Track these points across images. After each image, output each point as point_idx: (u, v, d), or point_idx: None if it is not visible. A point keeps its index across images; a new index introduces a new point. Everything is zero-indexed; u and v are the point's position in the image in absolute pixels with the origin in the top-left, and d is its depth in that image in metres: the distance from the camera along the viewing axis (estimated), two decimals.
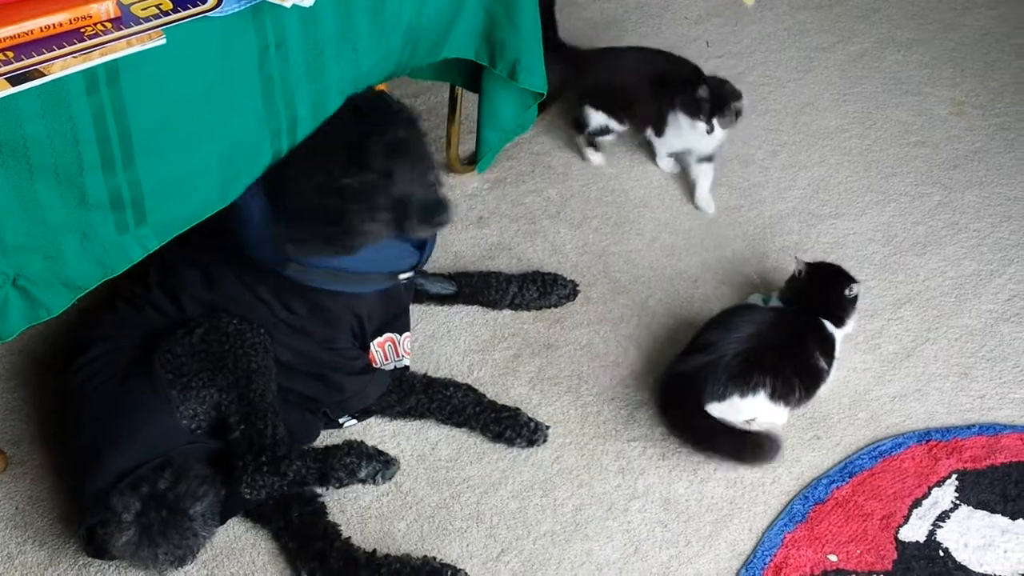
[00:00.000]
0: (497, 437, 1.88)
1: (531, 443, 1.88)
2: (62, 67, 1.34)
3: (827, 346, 1.90)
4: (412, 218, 1.75)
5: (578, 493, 1.82)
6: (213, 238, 1.80)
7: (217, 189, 1.59)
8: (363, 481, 1.72)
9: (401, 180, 1.73)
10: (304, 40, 1.55)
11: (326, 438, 1.89)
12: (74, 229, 1.44)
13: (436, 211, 1.77)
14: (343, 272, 1.80)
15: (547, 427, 1.90)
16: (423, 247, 1.90)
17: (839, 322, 1.93)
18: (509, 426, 1.88)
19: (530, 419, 1.89)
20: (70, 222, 1.43)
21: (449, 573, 1.68)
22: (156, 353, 1.74)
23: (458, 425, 1.91)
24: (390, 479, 1.74)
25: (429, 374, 1.96)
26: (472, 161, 2.38)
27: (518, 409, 1.90)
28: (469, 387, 1.92)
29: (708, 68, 2.67)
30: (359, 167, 1.70)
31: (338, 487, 1.74)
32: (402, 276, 1.87)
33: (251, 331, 1.76)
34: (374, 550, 1.71)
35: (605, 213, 2.31)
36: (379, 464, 1.73)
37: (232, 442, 1.71)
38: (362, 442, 1.75)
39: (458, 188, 2.36)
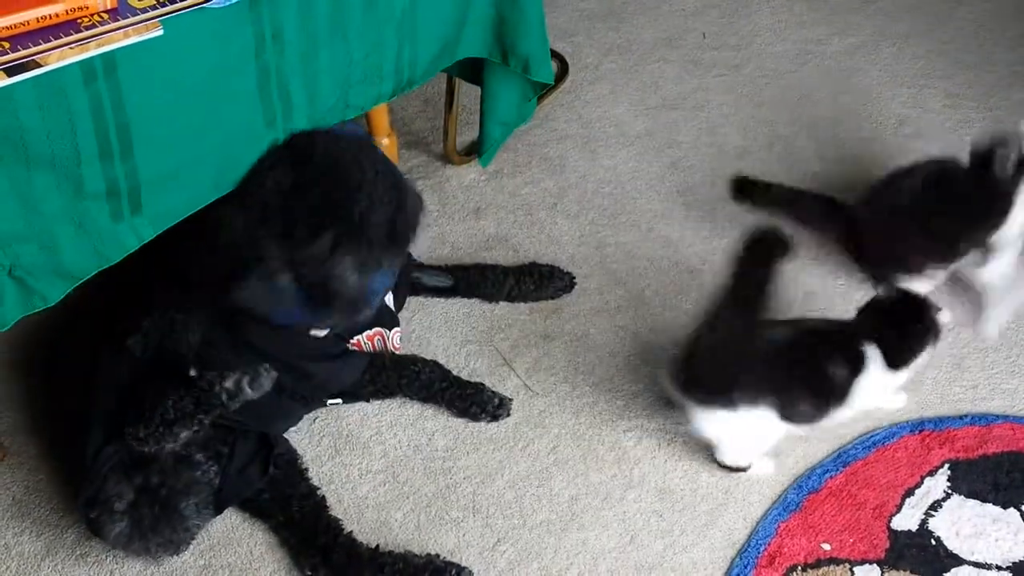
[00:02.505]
0: (462, 413, 1.91)
1: (495, 418, 1.90)
2: (59, 58, 1.34)
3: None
4: (330, 307, 1.71)
5: (574, 483, 1.83)
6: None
7: (212, 178, 1.59)
8: (233, 392, 1.66)
9: (338, 268, 1.68)
10: (299, 30, 1.55)
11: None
12: (69, 219, 1.45)
13: (357, 306, 1.74)
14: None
15: (510, 400, 1.92)
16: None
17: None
18: (474, 401, 1.90)
19: (494, 394, 1.91)
20: (66, 212, 1.44)
21: (453, 572, 1.68)
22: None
23: (425, 400, 1.92)
24: (260, 389, 1.66)
25: None
26: (469, 152, 2.39)
27: (482, 384, 1.92)
28: (435, 363, 1.94)
29: (705, 60, 2.70)
30: (293, 243, 1.65)
31: (220, 408, 1.67)
32: (313, 332, 1.82)
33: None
34: (377, 546, 1.71)
35: (602, 204, 2.32)
36: (244, 374, 1.66)
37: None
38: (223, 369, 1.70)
39: (455, 180, 2.37)
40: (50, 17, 1.39)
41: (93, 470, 1.66)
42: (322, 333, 1.83)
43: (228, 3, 1.46)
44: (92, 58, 1.35)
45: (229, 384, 1.66)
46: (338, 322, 1.79)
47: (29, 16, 1.37)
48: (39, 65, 1.33)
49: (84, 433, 1.71)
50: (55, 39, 1.37)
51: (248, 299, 1.68)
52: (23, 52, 1.34)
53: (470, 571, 1.70)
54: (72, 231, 1.46)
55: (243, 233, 1.64)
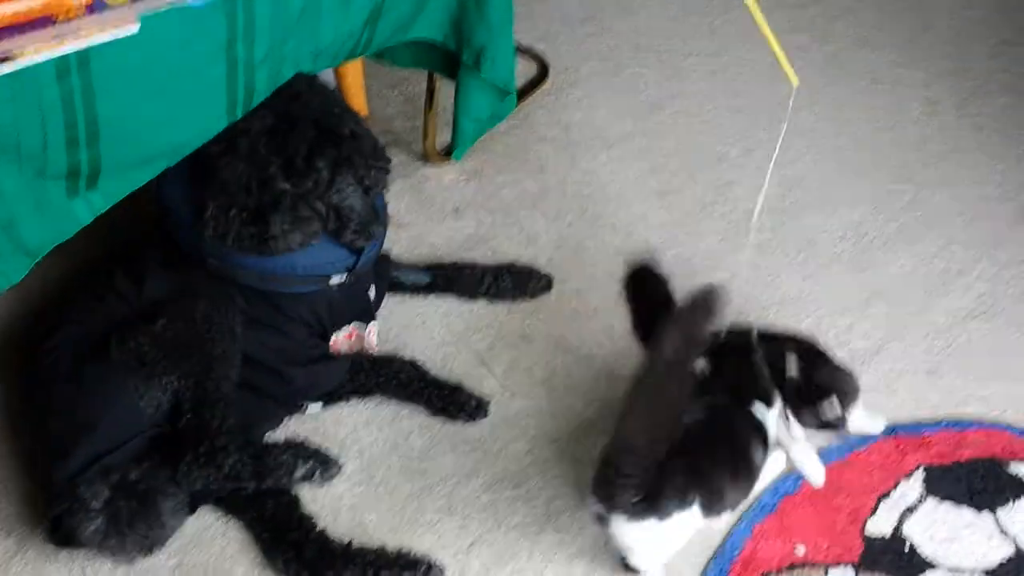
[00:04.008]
0: (440, 412, 1.90)
1: (472, 418, 1.89)
2: (34, 53, 1.33)
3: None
4: (346, 229, 1.76)
5: (550, 485, 1.83)
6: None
7: (168, 159, 1.61)
8: (300, 481, 1.67)
9: (340, 192, 1.74)
10: (272, 24, 1.55)
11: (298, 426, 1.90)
12: (28, 197, 1.45)
13: (371, 223, 1.77)
14: (264, 273, 1.77)
15: (488, 401, 1.91)
16: (360, 251, 1.84)
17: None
18: (452, 402, 1.89)
19: (471, 395, 1.91)
20: (25, 191, 1.44)
21: (424, 567, 1.68)
22: (116, 340, 1.72)
23: (404, 399, 1.92)
24: (329, 480, 1.68)
25: None
26: (449, 152, 2.38)
27: (460, 384, 1.92)
28: (413, 362, 1.94)
29: (685, 66, 2.70)
30: (299, 174, 1.70)
31: (275, 486, 1.69)
32: (334, 280, 1.83)
33: (219, 315, 1.75)
34: (350, 541, 1.71)
35: (581, 206, 2.32)
36: (317, 464, 1.67)
37: (179, 429, 1.70)
38: (303, 441, 1.71)
39: (435, 179, 2.36)
40: (26, 12, 1.37)
41: (63, 492, 1.63)
42: (340, 278, 1.82)
43: (206, 1, 1.45)
44: (66, 54, 1.34)
45: (300, 473, 1.66)
46: (358, 244, 1.79)
47: (4, 11, 1.36)
48: (13, 59, 1.32)
49: (58, 452, 1.67)
50: (31, 33, 1.35)
51: (281, 241, 1.69)
52: None
53: (441, 567, 1.69)
54: (30, 208, 1.46)
55: (249, 180, 1.67)
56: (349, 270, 1.83)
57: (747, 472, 1.61)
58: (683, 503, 1.53)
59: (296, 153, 1.69)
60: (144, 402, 1.70)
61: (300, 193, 1.70)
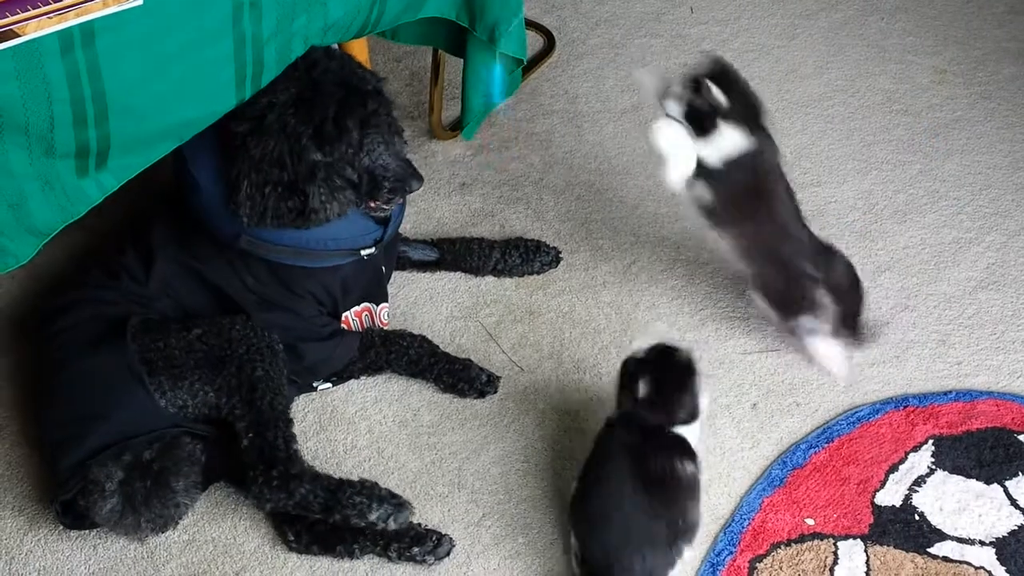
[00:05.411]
0: (450, 388, 1.90)
1: (482, 394, 1.89)
2: (37, 28, 1.32)
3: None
4: (382, 190, 1.76)
5: (559, 458, 1.83)
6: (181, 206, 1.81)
7: (178, 136, 1.60)
8: (374, 524, 1.65)
9: (371, 152, 1.73)
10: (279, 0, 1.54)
11: (308, 406, 1.90)
12: (37, 177, 1.44)
13: (407, 180, 1.78)
14: (298, 248, 1.77)
15: (499, 377, 1.91)
16: (386, 222, 1.85)
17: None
18: (462, 378, 1.89)
19: (482, 370, 1.91)
20: (33, 171, 1.43)
21: (434, 538, 1.69)
22: (136, 333, 1.72)
23: (414, 376, 1.92)
24: (404, 523, 1.66)
25: None
26: (455, 127, 2.37)
27: (470, 360, 1.92)
28: (424, 338, 1.93)
29: (692, 35, 2.68)
30: (329, 142, 1.69)
31: (343, 524, 1.67)
32: (364, 252, 1.84)
33: (256, 336, 1.74)
34: None
35: (588, 180, 2.31)
36: (391, 507, 1.65)
37: (242, 450, 1.69)
38: (375, 483, 1.68)
39: (441, 155, 2.35)
40: None
41: (71, 478, 1.64)
42: (370, 251, 1.83)
43: None
44: (70, 28, 1.33)
45: (374, 516, 1.64)
46: (395, 203, 1.82)
47: None
48: (17, 35, 1.31)
49: (69, 438, 1.67)
50: (33, 8, 1.34)
51: (321, 213, 1.71)
52: (1, 22, 1.32)
53: (451, 539, 1.70)
54: (39, 188, 1.46)
55: (282, 154, 1.68)
56: (377, 242, 1.84)
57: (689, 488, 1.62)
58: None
59: (325, 116, 1.69)
60: (166, 400, 1.70)
61: (331, 162, 1.70)
